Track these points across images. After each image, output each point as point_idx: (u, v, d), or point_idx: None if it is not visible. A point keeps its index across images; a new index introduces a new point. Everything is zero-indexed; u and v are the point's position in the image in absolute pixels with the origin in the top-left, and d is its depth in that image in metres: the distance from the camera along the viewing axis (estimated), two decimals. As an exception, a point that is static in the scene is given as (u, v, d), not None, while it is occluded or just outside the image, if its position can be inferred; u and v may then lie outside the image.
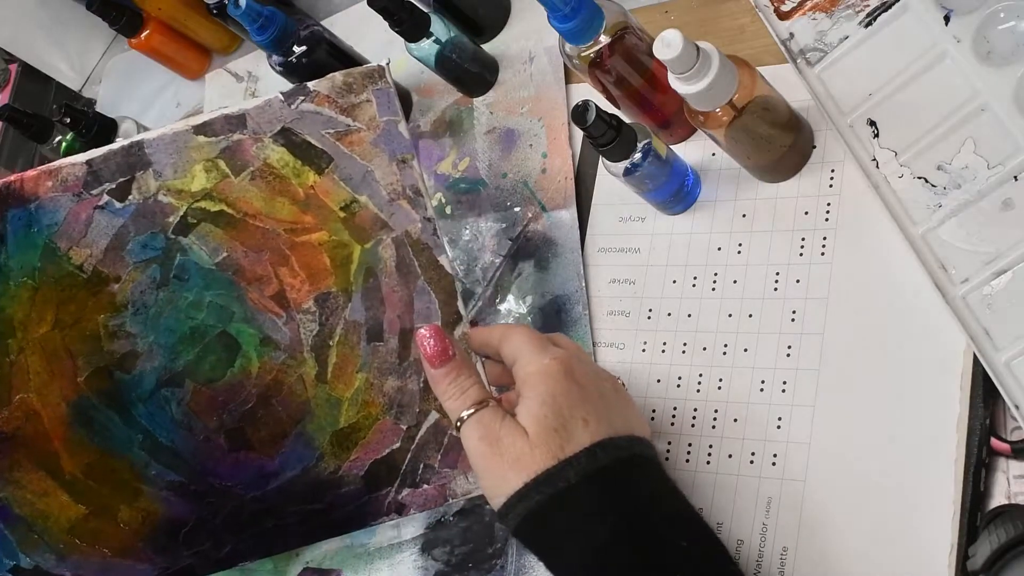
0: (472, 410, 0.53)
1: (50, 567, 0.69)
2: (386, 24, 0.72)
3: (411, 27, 0.72)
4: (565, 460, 0.50)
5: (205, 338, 0.66)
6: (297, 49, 0.75)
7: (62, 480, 0.68)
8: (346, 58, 0.78)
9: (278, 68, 0.76)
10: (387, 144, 0.62)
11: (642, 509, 0.50)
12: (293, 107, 0.62)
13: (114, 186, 0.64)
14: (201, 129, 0.63)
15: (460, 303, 0.61)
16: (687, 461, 0.61)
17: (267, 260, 0.64)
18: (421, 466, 0.64)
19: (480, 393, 0.53)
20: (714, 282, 0.64)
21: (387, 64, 0.63)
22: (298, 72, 0.76)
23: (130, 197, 0.64)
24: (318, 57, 0.76)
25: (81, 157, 0.64)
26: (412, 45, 0.74)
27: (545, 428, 0.51)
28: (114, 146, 0.64)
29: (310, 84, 0.63)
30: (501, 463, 0.51)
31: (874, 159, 0.59)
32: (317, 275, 0.64)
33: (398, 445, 0.64)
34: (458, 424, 0.53)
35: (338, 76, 0.63)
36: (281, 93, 0.63)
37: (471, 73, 0.78)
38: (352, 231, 0.63)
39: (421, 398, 0.63)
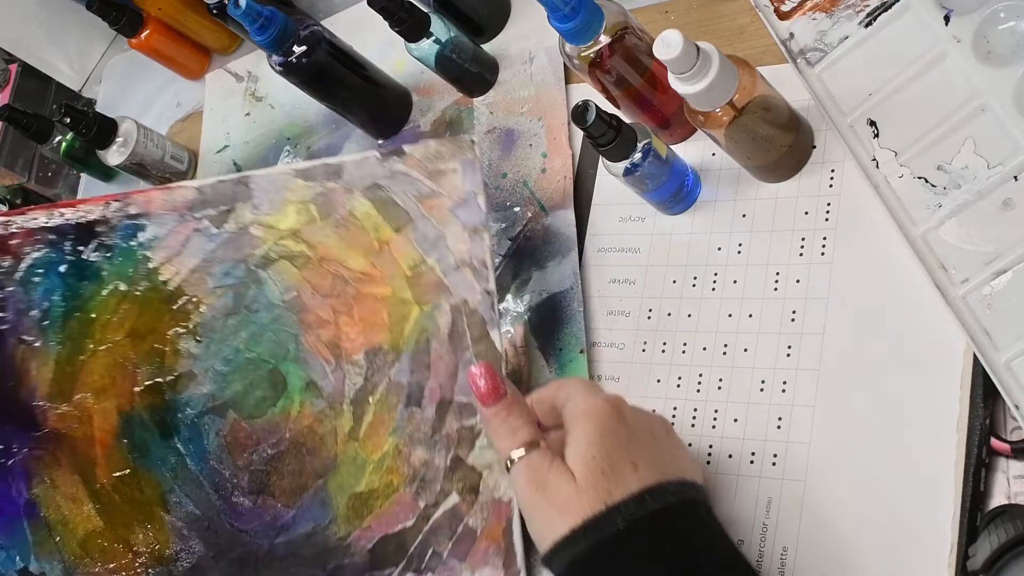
0: (522, 451, 0.52)
1: (31, 571, 0.69)
2: (386, 24, 0.72)
3: (411, 27, 0.72)
4: (613, 506, 0.48)
5: (256, 372, 0.67)
6: (297, 49, 0.75)
7: (92, 488, 0.69)
8: (346, 58, 0.78)
9: (278, 68, 0.76)
10: (464, 213, 0.62)
11: (691, 556, 0.49)
12: (387, 166, 0.63)
13: (215, 212, 0.67)
14: (302, 174, 0.65)
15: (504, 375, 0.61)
16: (687, 461, 0.61)
17: (330, 305, 0.65)
18: (430, 551, 0.62)
19: (531, 434, 0.52)
20: (714, 282, 0.64)
21: (474, 141, 0.64)
22: (298, 72, 0.76)
23: (226, 225, 0.66)
24: (318, 57, 0.76)
25: (194, 182, 0.68)
26: (412, 45, 0.74)
27: (592, 471, 0.49)
28: (225, 177, 0.67)
29: (406, 147, 0.63)
30: (549, 508, 0.50)
31: (874, 159, 0.59)
32: (373, 329, 0.64)
33: (411, 523, 0.62)
34: (508, 464, 0.52)
35: (432, 143, 0.64)
36: (379, 152, 0.64)
37: (471, 73, 0.78)
38: (415, 291, 0.63)
39: (445, 476, 0.62)
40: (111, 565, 0.68)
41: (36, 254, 0.72)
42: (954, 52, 0.58)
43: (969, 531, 0.51)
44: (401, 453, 0.63)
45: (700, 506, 0.51)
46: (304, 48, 0.75)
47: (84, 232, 0.71)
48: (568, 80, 0.75)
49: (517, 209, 0.74)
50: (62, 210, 0.71)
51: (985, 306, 0.54)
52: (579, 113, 0.59)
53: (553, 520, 0.50)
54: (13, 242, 0.73)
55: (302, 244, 0.66)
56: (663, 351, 0.64)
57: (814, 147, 0.63)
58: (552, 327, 0.68)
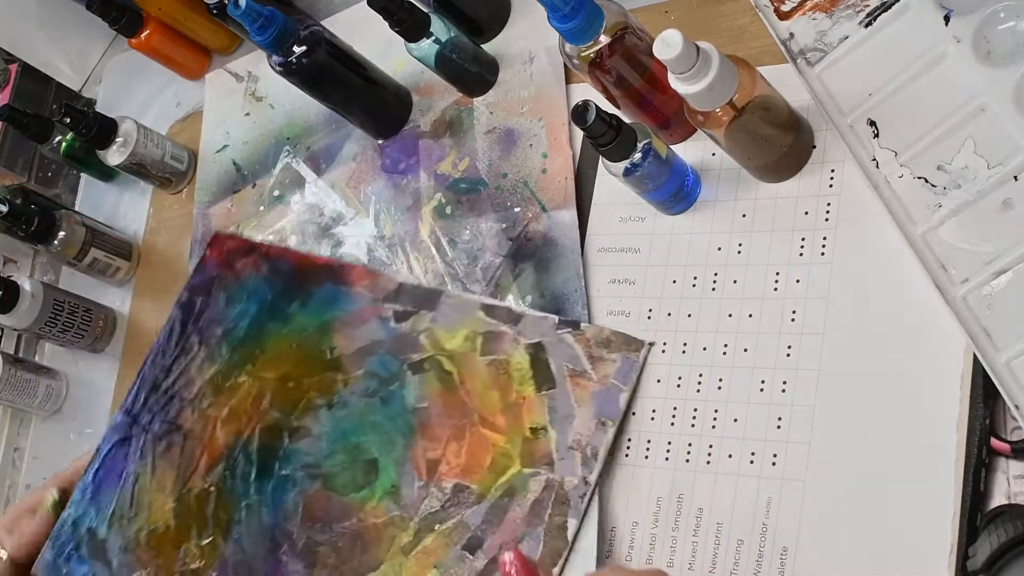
0: None
1: (108, 550, 0.76)
2: (386, 24, 0.72)
3: (411, 27, 0.72)
4: None
5: (360, 456, 0.71)
6: (297, 49, 0.75)
7: (180, 489, 0.76)
8: (346, 58, 0.78)
9: (278, 68, 0.76)
10: (601, 402, 0.64)
11: None
12: (558, 333, 0.66)
13: (401, 310, 0.72)
14: (487, 310, 0.69)
15: (556, 570, 0.61)
16: (687, 461, 0.61)
17: (449, 429, 0.68)
18: None
19: None
20: (714, 282, 0.64)
21: (650, 346, 0.65)
22: (298, 72, 0.76)
23: (404, 324, 0.71)
24: (318, 57, 0.76)
25: (400, 277, 0.74)
26: (412, 45, 0.74)
27: None
28: (427, 285, 0.72)
29: (583, 324, 0.66)
30: None
31: (874, 159, 0.59)
32: (472, 467, 0.66)
33: None
34: None
35: (607, 330, 0.65)
36: (559, 318, 0.66)
37: (471, 73, 0.78)
38: (524, 451, 0.65)
39: None
40: (158, 561, 0.73)
41: (252, 281, 0.80)
42: (954, 52, 0.58)
43: (969, 531, 0.51)
44: None
45: None
46: (304, 48, 0.75)
47: (296, 279, 0.78)
48: (568, 80, 0.75)
49: (517, 209, 0.74)
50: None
51: (985, 306, 0.54)
52: (579, 113, 0.59)
53: None
54: (244, 260, 0.81)
55: (455, 367, 0.69)
56: (663, 351, 0.64)
57: (814, 147, 0.63)
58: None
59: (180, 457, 0.77)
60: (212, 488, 0.75)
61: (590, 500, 0.62)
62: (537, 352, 0.66)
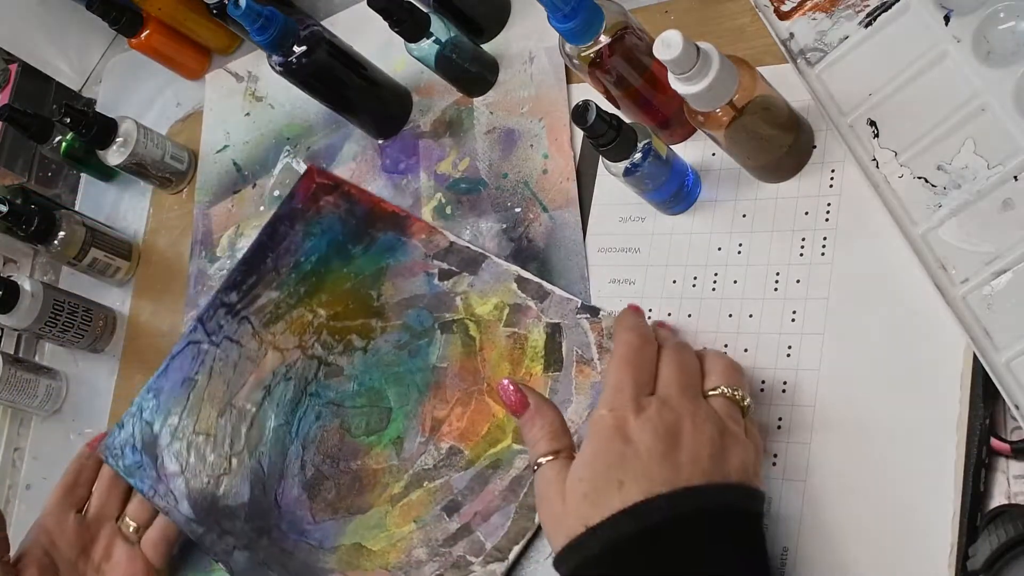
0: (542, 460, 0.53)
1: (158, 446, 0.82)
2: (386, 24, 0.72)
3: (411, 27, 0.72)
4: (590, 529, 0.48)
5: (379, 403, 0.74)
6: (297, 49, 0.75)
7: (225, 402, 0.81)
8: (346, 58, 0.78)
9: (278, 68, 0.76)
10: (597, 395, 0.64)
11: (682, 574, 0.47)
12: (578, 317, 0.67)
13: (446, 268, 0.74)
14: (521, 283, 0.70)
15: (517, 548, 0.64)
16: (687, 461, 0.61)
17: (458, 392, 0.70)
18: None
19: (549, 445, 0.53)
20: (714, 282, 0.64)
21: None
22: (298, 73, 0.76)
23: (445, 283, 0.74)
24: (318, 57, 0.76)
25: (452, 237, 0.75)
26: (412, 45, 0.74)
27: (576, 494, 0.50)
28: (474, 246, 0.73)
29: (602, 313, 0.66)
30: (547, 523, 0.52)
31: (874, 159, 0.59)
32: (469, 432, 0.69)
33: None
34: (534, 469, 0.54)
35: None
36: (582, 303, 0.67)
37: (471, 73, 0.78)
38: (517, 427, 0.66)
39: None
40: (191, 461, 0.81)
41: (328, 218, 0.82)
42: (954, 52, 0.58)
43: (969, 531, 0.51)
44: (411, 541, 0.69)
45: (709, 516, 0.48)
46: (304, 48, 0.75)
47: (365, 223, 0.80)
48: (568, 80, 0.75)
49: (518, 210, 0.74)
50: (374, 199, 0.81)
51: (985, 306, 0.54)
52: (579, 113, 0.59)
53: (551, 532, 0.51)
54: (328, 196, 0.83)
55: (479, 333, 0.71)
56: (663, 351, 0.64)
57: (814, 147, 0.63)
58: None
59: (233, 373, 0.82)
60: (252, 408, 0.80)
61: None
62: (554, 333, 0.67)
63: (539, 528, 0.64)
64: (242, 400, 0.80)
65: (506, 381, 0.55)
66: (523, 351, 0.68)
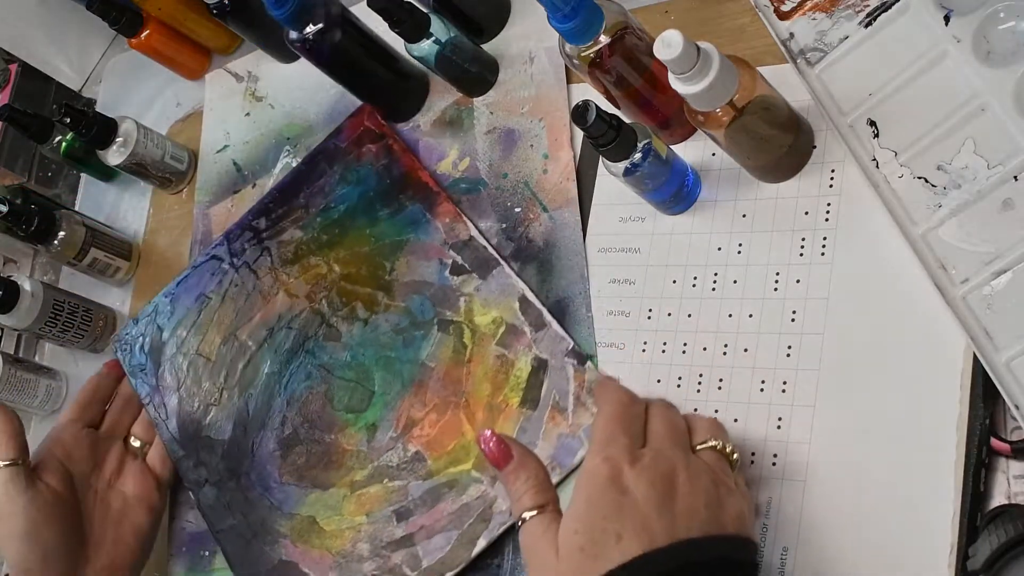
0: (527, 514, 0.52)
1: (163, 354, 0.85)
2: (386, 24, 0.72)
3: (411, 27, 0.72)
4: None
5: (365, 383, 0.74)
6: (313, 27, 0.74)
7: (231, 332, 0.82)
8: (364, 37, 0.77)
9: (295, 45, 0.75)
10: (563, 448, 0.64)
11: None
12: (567, 359, 0.66)
13: (460, 262, 0.73)
14: (524, 302, 0.69)
15: (451, 574, 0.65)
16: (687, 461, 0.61)
17: (437, 399, 0.70)
18: None
19: (534, 499, 0.52)
20: (714, 282, 0.64)
21: None
22: (314, 50, 0.75)
23: (455, 279, 0.73)
24: (335, 35, 0.74)
25: (472, 229, 0.73)
26: (412, 45, 0.74)
27: (571, 548, 0.48)
28: (491, 249, 0.72)
29: (588, 364, 0.66)
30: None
31: (874, 159, 0.59)
32: (436, 444, 0.70)
33: None
34: (519, 525, 0.52)
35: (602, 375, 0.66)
36: (573, 346, 0.66)
37: (471, 73, 0.78)
38: (480, 454, 0.66)
39: None
40: (187, 381, 0.83)
41: (366, 168, 0.81)
42: (954, 52, 0.58)
43: (969, 531, 0.51)
44: (357, 535, 0.70)
45: (708, 568, 0.48)
46: (321, 26, 0.74)
47: (398, 186, 0.78)
48: (568, 80, 0.75)
49: (518, 210, 0.74)
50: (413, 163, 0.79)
51: (985, 306, 0.54)
52: (579, 113, 0.59)
53: None
54: (371, 144, 0.81)
55: (471, 343, 0.71)
56: (663, 351, 0.64)
57: (814, 147, 0.63)
58: (557, 330, 0.69)
59: (244, 303, 0.82)
60: (252, 345, 0.81)
61: (507, 531, 0.65)
62: (539, 368, 0.67)
63: (474, 561, 0.65)
64: (245, 334, 0.81)
65: (488, 432, 0.54)
66: (506, 377, 0.68)
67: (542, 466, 0.54)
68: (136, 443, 0.81)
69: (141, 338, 0.86)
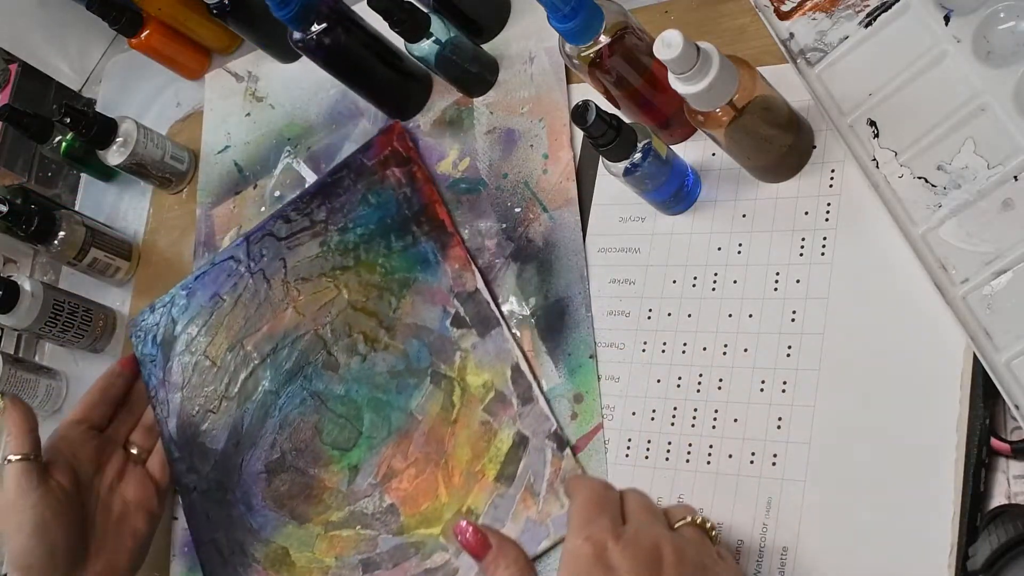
0: None
1: (173, 348, 0.86)
2: (386, 24, 0.72)
3: (411, 27, 0.72)
4: None
5: (353, 423, 0.74)
6: (317, 26, 0.74)
7: (236, 340, 0.82)
8: (367, 36, 0.77)
9: (298, 45, 0.75)
10: (528, 534, 0.64)
11: None
12: (548, 442, 0.66)
13: (461, 315, 0.72)
14: (515, 371, 0.69)
15: None
16: (687, 461, 0.61)
17: (419, 454, 0.70)
18: None
19: None
20: (714, 282, 0.64)
21: None
22: (317, 50, 0.75)
23: (455, 331, 0.72)
24: (338, 34, 0.74)
25: (479, 281, 0.72)
26: (412, 45, 0.74)
27: None
28: (492, 305, 0.71)
29: (567, 451, 0.65)
30: None
31: (874, 159, 0.59)
32: (412, 500, 0.70)
33: None
34: None
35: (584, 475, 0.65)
36: (556, 427, 0.66)
37: (471, 73, 0.78)
38: (449, 523, 0.67)
39: None
40: (192, 381, 0.83)
41: (388, 193, 0.79)
42: (954, 52, 0.58)
43: (969, 531, 0.51)
44: (325, 575, 0.71)
45: None
46: (324, 25, 0.74)
47: (415, 219, 0.77)
48: (568, 80, 0.75)
49: (518, 210, 0.74)
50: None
51: (985, 306, 0.54)
52: (579, 113, 0.59)
53: None
54: (396, 168, 0.80)
55: (460, 404, 0.70)
56: (663, 351, 0.64)
57: (814, 147, 0.63)
58: (560, 332, 0.68)
59: (254, 312, 0.82)
60: (256, 357, 0.81)
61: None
62: (520, 444, 0.66)
63: None
64: (251, 345, 0.81)
65: (464, 523, 0.53)
66: (487, 446, 0.67)
67: (522, 551, 0.54)
68: (134, 450, 0.81)
69: (155, 328, 0.87)
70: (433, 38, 0.73)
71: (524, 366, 0.68)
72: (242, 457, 0.78)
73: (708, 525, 0.52)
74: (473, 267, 0.73)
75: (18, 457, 0.71)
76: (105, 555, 0.74)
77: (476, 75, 0.78)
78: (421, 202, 0.78)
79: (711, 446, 0.60)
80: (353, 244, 0.80)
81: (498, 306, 0.71)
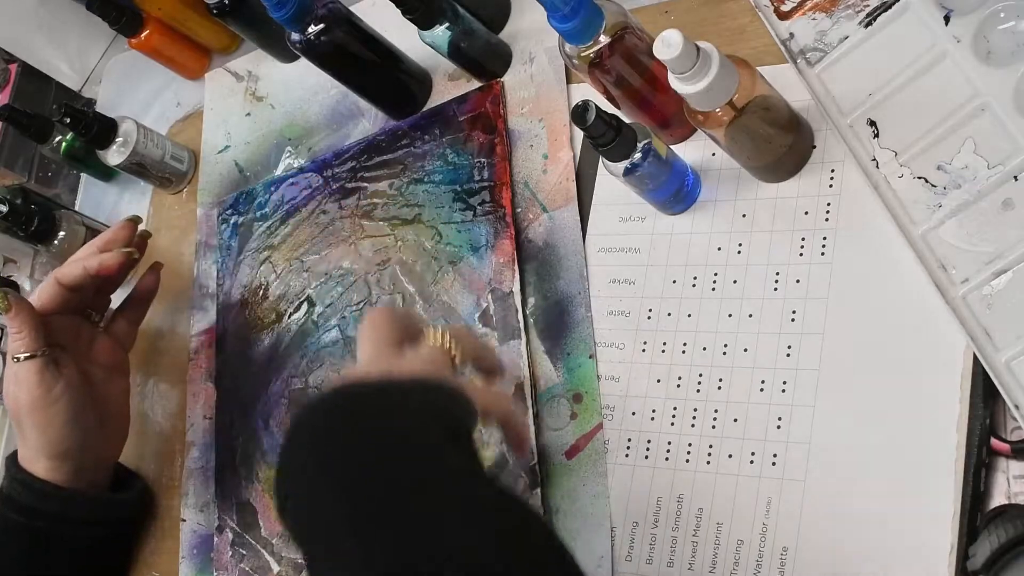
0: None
1: (249, 239, 0.87)
2: (386, 23, 0.72)
3: (423, 14, 0.71)
4: None
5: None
6: (315, 27, 0.74)
7: (299, 256, 0.84)
8: (365, 37, 0.77)
9: (296, 46, 0.75)
10: None
11: None
12: (521, 477, 0.66)
13: (491, 314, 0.71)
14: (518, 388, 0.68)
15: None
16: (687, 461, 0.61)
17: None
18: None
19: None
20: (714, 282, 0.64)
21: None
22: (316, 50, 0.75)
23: (479, 329, 0.71)
24: (336, 35, 0.74)
25: (515, 284, 0.71)
26: (424, 32, 0.73)
27: None
28: (521, 312, 0.70)
29: (538, 492, 0.65)
30: None
31: (874, 159, 0.59)
32: None
33: None
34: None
35: None
36: (537, 466, 0.65)
37: (482, 61, 0.77)
38: None
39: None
40: (253, 285, 0.86)
41: (463, 156, 0.78)
42: (954, 52, 0.58)
43: (969, 531, 0.51)
44: None
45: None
46: (322, 26, 0.74)
47: (482, 193, 0.76)
48: (568, 80, 0.75)
49: (518, 210, 0.74)
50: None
51: (985, 306, 0.54)
52: (579, 113, 0.59)
53: None
54: (482, 132, 0.78)
55: None
56: (663, 351, 0.64)
57: (814, 147, 0.63)
58: (560, 332, 0.68)
59: (319, 234, 0.82)
60: (311, 280, 0.82)
61: None
62: (500, 466, 0.67)
63: None
64: (309, 265, 0.82)
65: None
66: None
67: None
68: (93, 316, 0.81)
69: (236, 216, 0.88)
70: (446, 24, 0.72)
71: (527, 388, 0.67)
72: (271, 376, 0.80)
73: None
74: (515, 266, 0.72)
75: (29, 354, 0.72)
76: (111, 423, 0.78)
77: (490, 60, 0.77)
78: (493, 179, 0.76)
79: (711, 446, 0.60)
80: (419, 200, 0.78)
81: (525, 317, 0.70)
